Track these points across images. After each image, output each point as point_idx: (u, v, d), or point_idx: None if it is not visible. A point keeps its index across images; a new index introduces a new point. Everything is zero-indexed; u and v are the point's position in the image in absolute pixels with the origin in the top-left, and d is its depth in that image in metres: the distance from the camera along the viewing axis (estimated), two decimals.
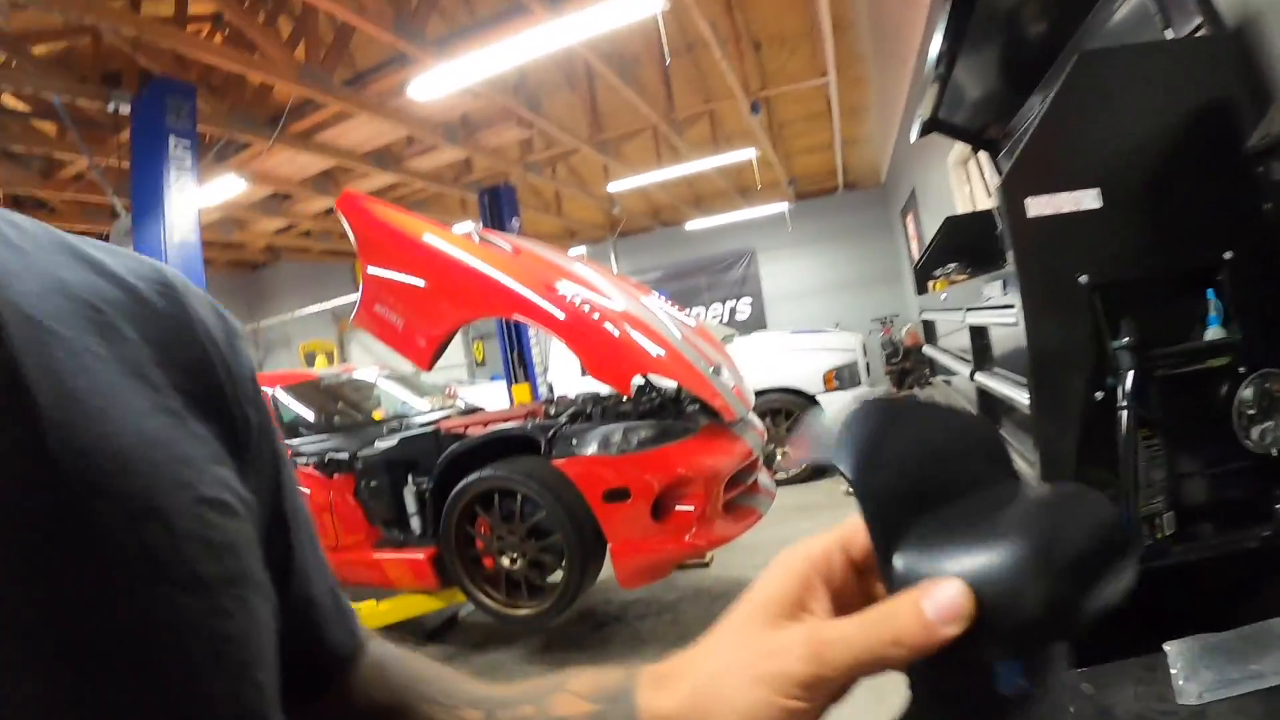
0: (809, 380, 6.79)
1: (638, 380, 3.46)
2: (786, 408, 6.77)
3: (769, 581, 0.36)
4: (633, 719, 0.38)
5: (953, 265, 2.62)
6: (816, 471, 6.86)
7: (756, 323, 10.60)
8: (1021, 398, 1.30)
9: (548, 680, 0.44)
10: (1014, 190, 1.20)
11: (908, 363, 5.41)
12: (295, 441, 3.88)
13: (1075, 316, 1.17)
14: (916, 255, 7.77)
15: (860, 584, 0.36)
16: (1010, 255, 1.23)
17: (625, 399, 3.63)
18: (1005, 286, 1.40)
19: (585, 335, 3.28)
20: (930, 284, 2.81)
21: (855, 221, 10.50)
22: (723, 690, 0.34)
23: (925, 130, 2.56)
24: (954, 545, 0.31)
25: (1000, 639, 0.30)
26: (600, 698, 0.40)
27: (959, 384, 2.40)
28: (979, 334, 1.95)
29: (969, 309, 1.87)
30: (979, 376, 1.85)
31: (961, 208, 4.79)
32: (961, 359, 2.21)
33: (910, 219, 7.76)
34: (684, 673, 0.37)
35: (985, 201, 3.37)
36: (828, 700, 0.33)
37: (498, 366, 7.06)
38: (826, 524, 0.35)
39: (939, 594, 0.30)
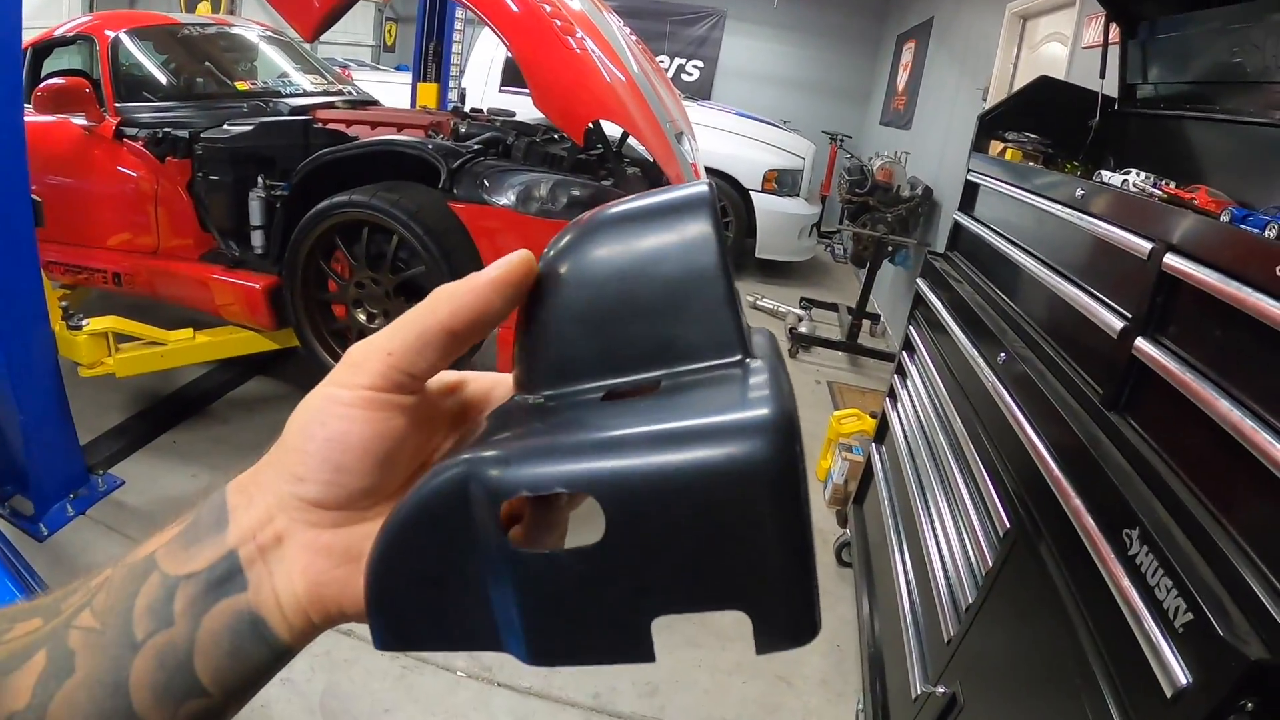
0: (748, 174, 6.16)
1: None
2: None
3: None
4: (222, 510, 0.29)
5: (1033, 136, 2.15)
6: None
7: (701, 91, 9.57)
8: None
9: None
10: None
11: (872, 199, 4.89)
12: (134, 107, 2.92)
13: None
14: (902, 85, 6.98)
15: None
16: None
17: (558, 135, 2.89)
18: None
19: (541, 47, 2.46)
20: (996, 144, 2.25)
21: (842, 24, 9.42)
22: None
23: None
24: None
25: None
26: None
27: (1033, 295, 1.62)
28: (1170, 287, 1.06)
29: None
30: (1145, 345, 1.07)
31: (1000, 68, 4.16)
32: (1051, 269, 1.48)
33: (911, 47, 6.86)
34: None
35: (1042, 71, 2.78)
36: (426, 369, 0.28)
37: (408, 57, 5.77)
38: None
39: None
